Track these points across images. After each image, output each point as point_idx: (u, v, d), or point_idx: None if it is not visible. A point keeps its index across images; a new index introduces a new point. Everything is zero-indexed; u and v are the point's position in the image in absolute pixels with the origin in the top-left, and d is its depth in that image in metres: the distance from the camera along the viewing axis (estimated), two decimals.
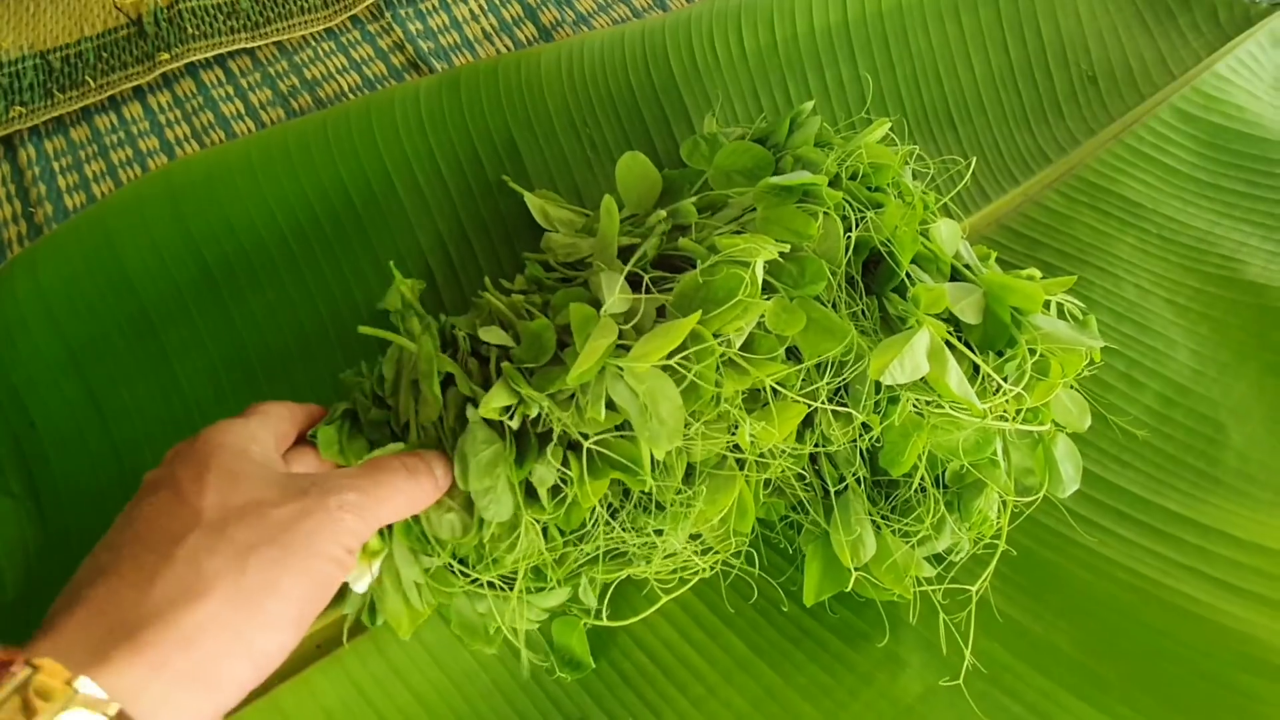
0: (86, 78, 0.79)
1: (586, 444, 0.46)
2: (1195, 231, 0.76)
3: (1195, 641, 0.54)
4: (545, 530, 0.48)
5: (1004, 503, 0.54)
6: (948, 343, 0.50)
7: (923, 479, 0.53)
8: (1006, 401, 0.51)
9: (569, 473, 0.46)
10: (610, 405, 0.46)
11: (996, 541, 0.54)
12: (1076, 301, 0.61)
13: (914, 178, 0.63)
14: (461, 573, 0.49)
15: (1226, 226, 0.76)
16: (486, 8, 0.85)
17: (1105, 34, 0.91)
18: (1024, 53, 0.89)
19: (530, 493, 0.48)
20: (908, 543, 0.52)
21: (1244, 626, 0.54)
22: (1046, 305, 0.58)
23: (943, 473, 0.54)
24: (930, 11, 0.88)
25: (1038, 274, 0.60)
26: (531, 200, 0.69)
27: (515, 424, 0.48)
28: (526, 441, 0.48)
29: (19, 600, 0.57)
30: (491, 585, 0.48)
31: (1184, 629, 0.54)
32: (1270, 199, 0.78)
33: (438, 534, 0.47)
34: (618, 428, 0.47)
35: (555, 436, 0.48)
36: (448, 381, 0.52)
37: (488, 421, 0.48)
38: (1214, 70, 0.87)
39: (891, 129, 0.63)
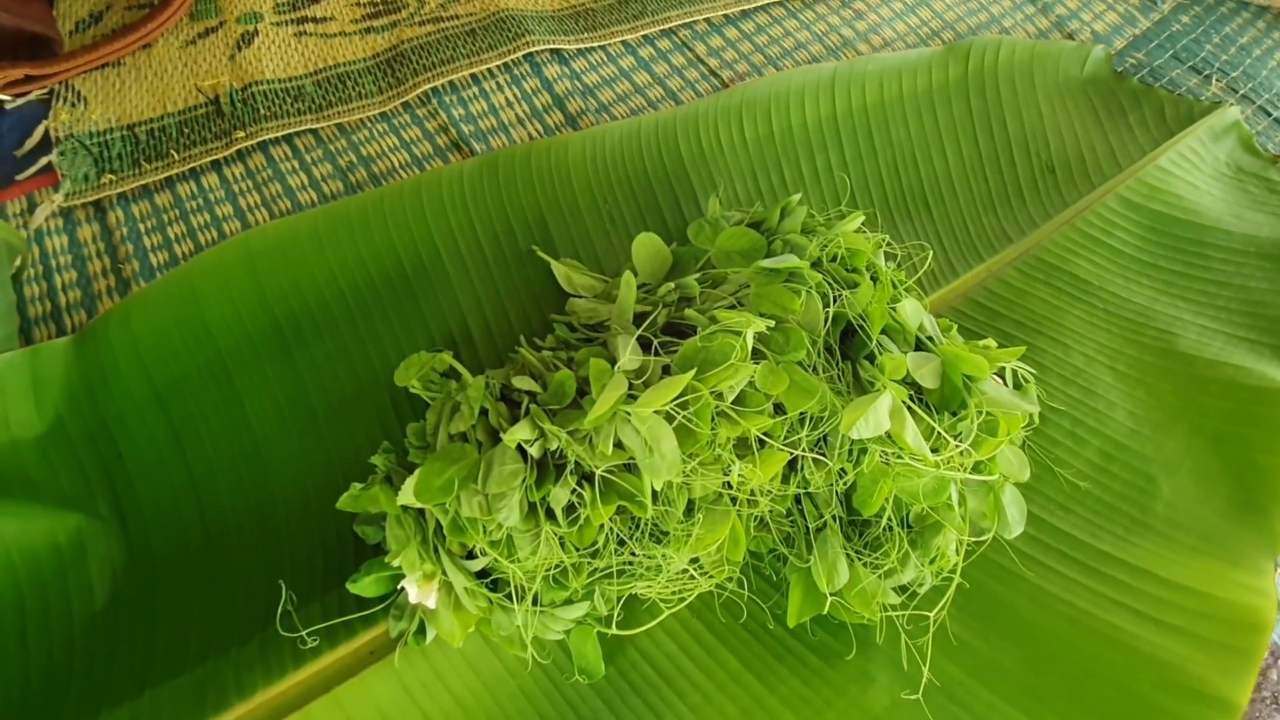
0: (170, 150, 0.91)
1: (598, 473, 0.56)
2: (1136, 306, 0.86)
3: (1121, 664, 0.63)
4: (563, 543, 0.58)
5: (960, 542, 0.63)
6: (908, 405, 0.60)
7: (890, 519, 0.62)
8: (960, 454, 0.61)
9: (584, 494, 0.56)
10: (619, 445, 0.56)
11: (953, 575, 0.63)
12: (1027, 368, 0.71)
13: (887, 260, 0.74)
14: (493, 582, 0.59)
15: (1164, 303, 0.87)
16: (520, 96, 0.98)
17: (1063, 128, 1.03)
18: (991, 144, 1.01)
19: (549, 514, 0.57)
20: (876, 574, 0.61)
21: (1162, 653, 0.63)
22: (1000, 372, 0.68)
23: (907, 514, 0.64)
24: (909, 106, 1.01)
25: (993, 343, 0.70)
26: (557, 268, 0.80)
27: (537, 453, 0.58)
28: (546, 469, 0.58)
29: (106, 609, 0.66)
30: (520, 594, 0.58)
31: (1112, 654, 0.63)
32: (1203, 279, 0.89)
33: (470, 513, 0.55)
34: (625, 466, 0.57)
35: (570, 466, 0.57)
36: (481, 415, 0.63)
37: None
38: (1157, 163, 0.99)
39: (869, 215, 0.73)
